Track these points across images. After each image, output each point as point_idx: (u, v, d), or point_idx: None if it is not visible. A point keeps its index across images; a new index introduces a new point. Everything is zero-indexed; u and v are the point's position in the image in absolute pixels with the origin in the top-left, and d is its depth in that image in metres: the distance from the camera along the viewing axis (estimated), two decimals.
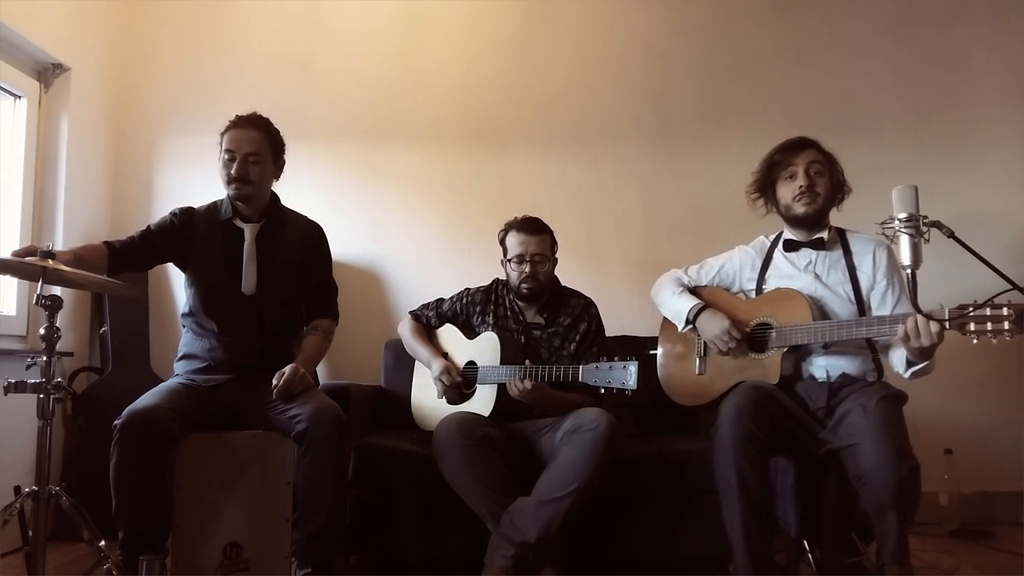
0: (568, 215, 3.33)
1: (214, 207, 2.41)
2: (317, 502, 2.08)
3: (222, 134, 2.32)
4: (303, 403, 2.14)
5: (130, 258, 2.30)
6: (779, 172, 2.27)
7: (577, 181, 3.45)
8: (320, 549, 2.08)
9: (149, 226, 2.36)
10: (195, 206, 2.42)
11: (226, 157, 2.30)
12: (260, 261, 2.34)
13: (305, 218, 2.51)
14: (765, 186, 2.33)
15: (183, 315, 2.39)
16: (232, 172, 2.28)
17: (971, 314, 1.78)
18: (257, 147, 2.31)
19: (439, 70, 3.52)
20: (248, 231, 2.36)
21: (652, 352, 2.44)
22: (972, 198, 3.27)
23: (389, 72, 3.51)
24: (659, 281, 2.48)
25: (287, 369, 2.20)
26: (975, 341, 1.79)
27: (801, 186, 2.21)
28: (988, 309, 1.76)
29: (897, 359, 2.08)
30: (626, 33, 3.51)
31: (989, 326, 1.76)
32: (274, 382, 2.17)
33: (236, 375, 2.26)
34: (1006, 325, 1.74)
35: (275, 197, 2.45)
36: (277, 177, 2.43)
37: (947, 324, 1.81)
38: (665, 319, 2.45)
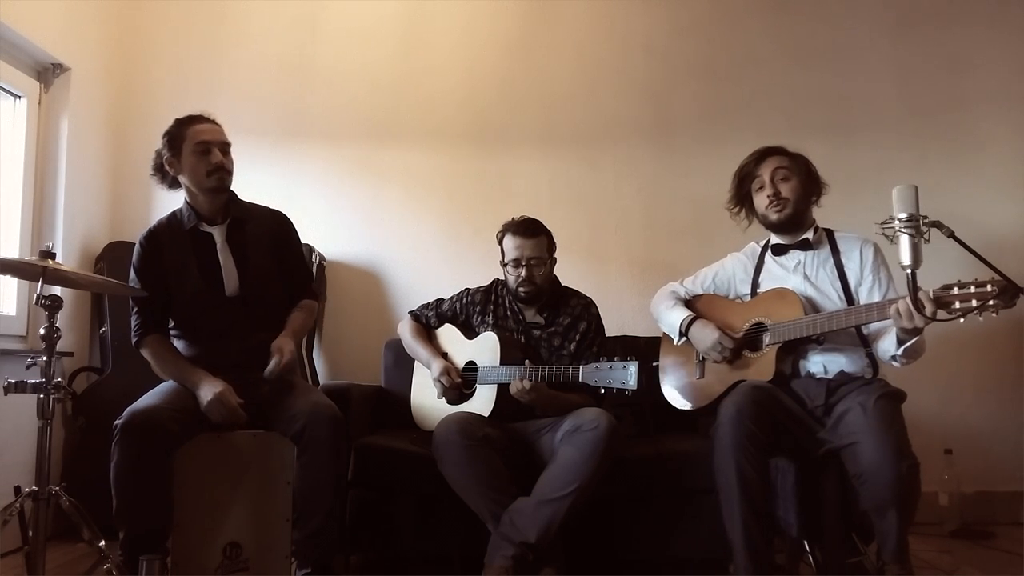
0: (568, 215, 3.33)
1: (174, 218, 2.35)
2: (315, 502, 2.08)
3: (176, 135, 2.27)
4: (300, 402, 2.14)
5: (166, 316, 2.32)
6: (750, 184, 2.35)
7: (577, 181, 3.46)
8: (319, 549, 2.07)
9: (137, 280, 2.29)
10: (153, 224, 2.36)
11: (200, 150, 2.24)
12: (237, 260, 2.30)
13: (267, 208, 2.46)
14: (742, 199, 2.40)
15: (170, 329, 2.34)
16: (214, 161, 2.24)
17: (956, 293, 1.82)
18: (226, 138, 2.32)
19: (439, 70, 3.52)
20: (217, 233, 2.31)
21: (655, 364, 2.46)
22: (972, 198, 3.27)
23: (389, 72, 3.52)
24: (656, 296, 2.52)
25: (284, 349, 2.18)
26: (962, 320, 1.82)
27: (769, 195, 2.27)
28: (972, 287, 1.81)
29: (887, 344, 2.09)
30: (626, 33, 3.51)
31: (974, 303, 1.79)
32: (270, 366, 2.15)
33: (233, 376, 2.21)
34: (990, 301, 1.77)
35: (232, 194, 2.39)
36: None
37: (934, 306, 1.84)
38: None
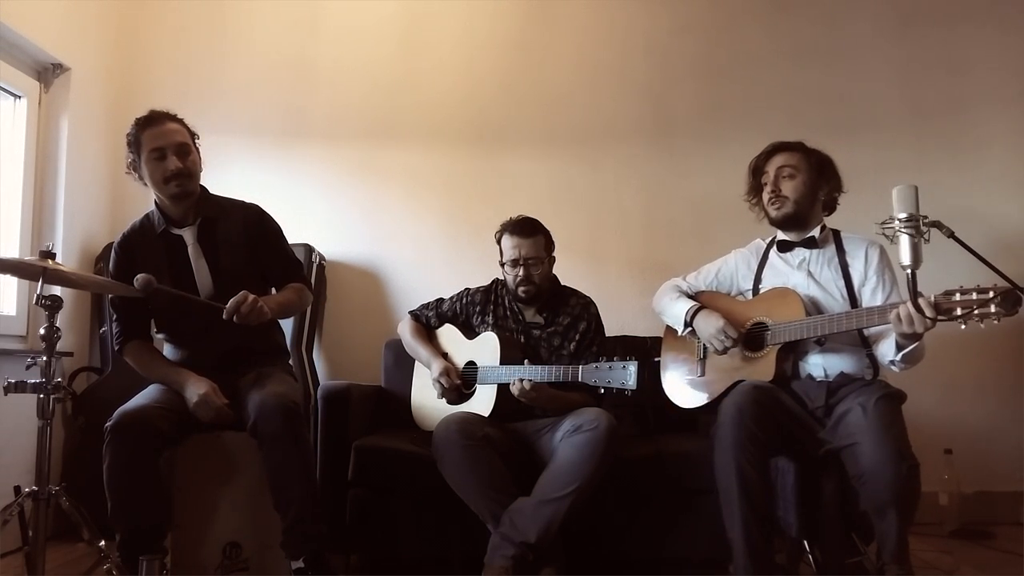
0: (568, 215, 3.33)
1: (147, 221, 2.31)
2: (286, 494, 2.05)
3: (135, 140, 2.21)
4: (253, 397, 2.09)
5: (146, 321, 2.30)
6: (760, 178, 2.36)
7: (577, 181, 3.45)
8: (303, 540, 2.04)
9: (114, 298, 2.28)
10: (126, 230, 2.34)
11: (155, 156, 2.17)
12: (209, 261, 2.27)
13: (239, 202, 2.40)
14: (755, 191, 2.40)
15: (155, 333, 2.35)
16: (171, 168, 2.16)
17: (957, 299, 1.80)
18: (184, 138, 2.22)
19: (439, 70, 3.52)
20: (187, 235, 2.27)
21: (656, 360, 2.46)
22: (972, 198, 3.27)
23: (389, 72, 3.51)
24: (659, 291, 2.52)
25: (248, 295, 2.09)
26: (963, 327, 1.80)
27: (770, 191, 2.29)
28: (974, 293, 1.78)
29: (886, 348, 2.09)
30: (626, 33, 3.51)
31: (975, 310, 1.77)
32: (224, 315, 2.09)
33: (217, 376, 2.19)
34: (992, 308, 1.75)
35: (204, 191, 2.34)
36: (201, 168, 2.31)
37: (937, 313, 1.83)
38: (667, 327, 2.47)
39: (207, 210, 2.31)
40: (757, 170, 2.37)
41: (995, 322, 1.77)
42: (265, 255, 2.37)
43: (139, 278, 2.03)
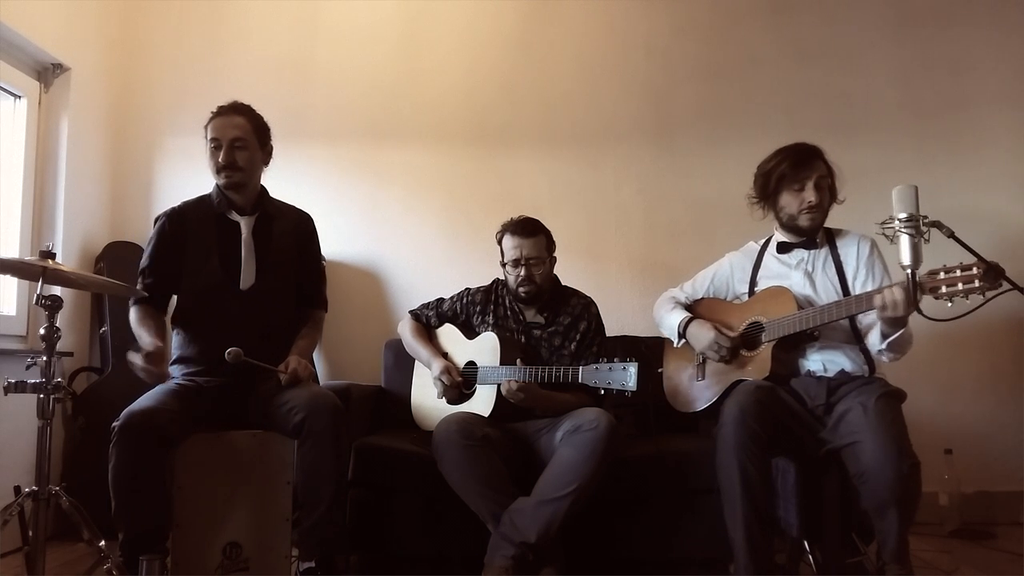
0: (568, 215, 3.33)
1: (205, 200, 2.38)
2: (318, 492, 2.08)
3: (206, 125, 2.31)
4: (299, 394, 2.14)
5: (163, 296, 2.34)
6: (788, 184, 2.26)
7: (577, 181, 3.45)
8: (321, 541, 2.07)
9: (151, 254, 2.32)
10: (179, 204, 2.39)
11: (212, 146, 2.28)
12: (259, 254, 2.32)
13: (295, 208, 2.51)
14: (769, 194, 2.33)
15: (171, 318, 2.36)
16: (220, 160, 2.27)
17: (942, 277, 1.83)
18: (242, 132, 2.29)
19: (439, 70, 3.52)
20: (244, 224, 2.34)
21: (659, 370, 2.48)
22: (972, 198, 3.27)
23: (389, 72, 3.52)
24: (657, 303, 2.54)
25: (290, 360, 2.23)
26: (949, 304, 1.83)
27: (811, 201, 2.22)
28: (958, 270, 1.81)
29: (874, 337, 2.09)
30: (626, 33, 3.51)
31: (960, 286, 1.80)
32: (279, 369, 2.20)
33: (235, 374, 2.21)
34: (976, 283, 1.78)
35: (264, 189, 2.43)
36: (266, 164, 2.41)
37: (919, 288, 1.86)
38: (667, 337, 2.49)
39: (265, 206, 2.39)
40: (788, 177, 2.24)
41: (980, 296, 1.80)
42: (305, 264, 2.46)
43: (230, 352, 2.09)
